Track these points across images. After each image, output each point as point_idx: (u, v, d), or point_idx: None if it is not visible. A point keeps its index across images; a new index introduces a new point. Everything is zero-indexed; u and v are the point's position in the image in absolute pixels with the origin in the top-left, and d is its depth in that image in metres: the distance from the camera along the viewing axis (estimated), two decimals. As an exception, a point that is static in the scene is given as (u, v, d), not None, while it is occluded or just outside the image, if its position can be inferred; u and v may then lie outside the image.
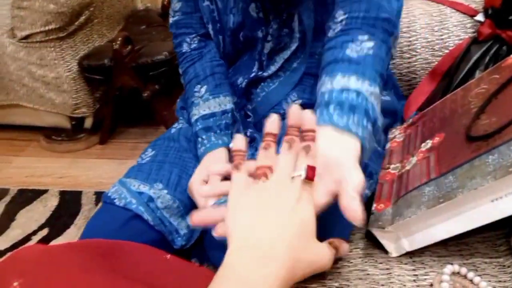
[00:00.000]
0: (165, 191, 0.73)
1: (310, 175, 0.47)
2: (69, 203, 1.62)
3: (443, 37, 0.98)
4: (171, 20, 0.87)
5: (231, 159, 0.79)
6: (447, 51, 0.96)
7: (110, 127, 1.97)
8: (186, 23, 0.86)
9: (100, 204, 1.56)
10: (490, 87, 0.74)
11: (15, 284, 0.43)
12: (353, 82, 0.61)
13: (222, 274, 0.41)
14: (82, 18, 1.77)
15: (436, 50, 0.98)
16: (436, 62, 0.97)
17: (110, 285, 0.45)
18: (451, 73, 0.93)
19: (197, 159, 0.80)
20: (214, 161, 0.76)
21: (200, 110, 0.82)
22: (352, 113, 0.57)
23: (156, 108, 1.82)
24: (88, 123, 1.94)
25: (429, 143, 0.74)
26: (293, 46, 0.77)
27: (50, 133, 1.97)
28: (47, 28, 1.69)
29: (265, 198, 0.45)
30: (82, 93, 1.84)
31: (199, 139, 0.80)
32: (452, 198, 0.59)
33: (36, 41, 1.72)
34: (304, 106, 0.79)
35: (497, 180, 0.56)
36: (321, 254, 0.47)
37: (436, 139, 0.73)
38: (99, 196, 1.63)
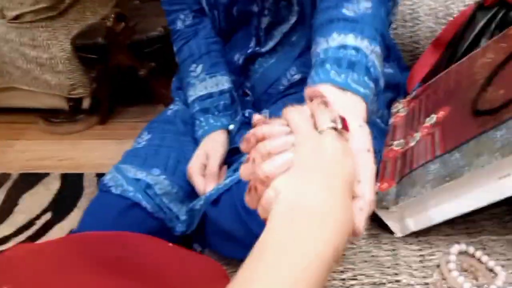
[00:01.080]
0: (163, 177, 0.71)
1: (345, 124, 0.41)
2: (71, 186, 1.61)
3: (447, 3, 0.94)
4: None
5: (230, 141, 0.77)
6: (451, 18, 0.92)
7: (109, 107, 1.94)
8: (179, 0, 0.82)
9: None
10: (497, 57, 0.70)
11: None
12: (350, 39, 0.55)
13: (267, 238, 0.35)
14: (73, -5, 1.72)
15: (440, 18, 0.94)
16: (440, 31, 0.93)
17: (104, 284, 0.43)
18: (456, 42, 0.89)
19: (195, 142, 0.78)
20: (213, 144, 0.74)
21: (197, 90, 0.79)
22: (351, 70, 0.52)
23: (154, 86, 1.78)
24: (85, 103, 1.91)
25: (433, 118, 0.71)
26: (292, 20, 0.74)
27: (49, 115, 1.94)
28: (36, 7, 1.64)
29: (309, 154, 0.38)
30: (77, 73, 1.80)
31: (197, 122, 0.78)
32: (459, 177, 0.57)
33: (27, 21, 1.68)
34: (304, 80, 0.76)
35: (505, 157, 0.54)
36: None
37: (441, 113, 0.71)
38: (101, 177, 1.61)
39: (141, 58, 1.72)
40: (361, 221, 0.38)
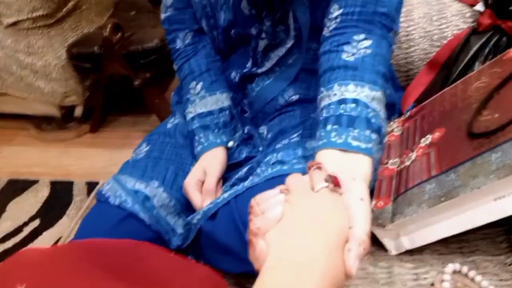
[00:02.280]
0: (161, 189, 0.71)
1: (336, 181, 0.44)
2: (61, 193, 1.59)
3: (441, 27, 0.97)
4: (163, 16, 0.85)
5: (228, 158, 0.78)
6: (445, 41, 0.94)
7: (101, 116, 1.93)
8: (179, 19, 0.83)
9: (92, 195, 1.55)
10: (491, 81, 0.72)
11: None
12: (350, 90, 0.57)
13: None
14: (70, 4, 1.72)
15: (435, 41, 0.96)
16: (435, 53, 0.95)
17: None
18: (450, 64, 0.91)
19: (194, 156, 0.78)
20: (211, 160, 0.75)
21: (197, 108, 0.80)
22: (351, 127, 0.54)
23: (147, 96, 1.78)
24: (78, 111, 1.91)
25: (429, 138, 0.73)
26: (289, 44, 0.75)
27: (40, 122, 1.93)
28: (34, 14, 1.64)
29: (302, 210, 0.42)
30: (71, 81, 1.80)
31: (196, 138, 0.78)
32: (454, 197, 0.58)
33: (24, 28, 1.67)
34: (300, 100, 0.78)
35: (501, 179, 0.55)
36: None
37: (436, 134, 0.72)
38: (90, 186, 1.61)
39: (136, 68, 1.72)
40: (350, 262, 0.39)
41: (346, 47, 0.61)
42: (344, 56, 0.61)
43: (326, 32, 0.66)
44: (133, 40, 1.72)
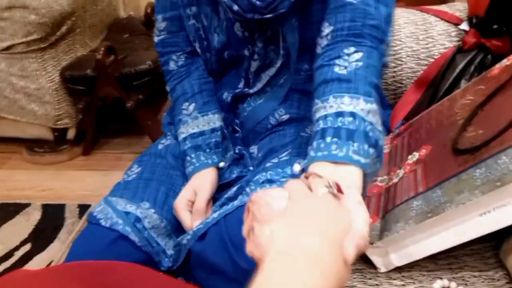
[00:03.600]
0: (152, 211, 0.71)
1: (338, 188, 0.45)
2: (52, 216, 1.58)
3: (428, 46, 0.99)
4: (156, 39, 0.86)
5: (219, 178, 0.78)
6: (432, 60, 0.96)
7: (93, 138, 1.94)
8: (172, 42, 0.85)
9: (84, 218, 1.54)
10: (476, 98, 0.74)
11: None
12: (346, 103, 0.57)
13: (261, 280, 0.36)
14: (64, 28, 1.74)
15: (422, 59, 0.98)
16: (422, 71, 0.97)
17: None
18: (437, 82, 0.93)
19: (185, 177, 0.78)
20: (201, 181, 0.75)
21: (189, 128, 0.80)
22: (351, 141, 0.54)
23: (140, 118, 1.79)
24: (71, 134, 1.91)
25: (416, 155, 0.74)
26: (278, 63, 0.76)
27: (32, 145, 1.93)
28: (28, 38, 1.66)
29: (305, 209, 0.42)
30: (64, 104, 1.80)
31: (188, 158, 0.78)
32: (441, 213, 0.59)
33: (18, 52, 1.69)
34: (291, 120, 0.79)
35: (485, 194, 0.56)
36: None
37: (423, 151, 0.73)
38: (82, 209, 1.60)
39: (128, 90, 1.73)
40: (348, 250, 0.39)
41: (337, 61, 0.62)
42: (336, 69, 0.61)
43: (318, 50, 0.66)
44: (126, 63, 1.74)
